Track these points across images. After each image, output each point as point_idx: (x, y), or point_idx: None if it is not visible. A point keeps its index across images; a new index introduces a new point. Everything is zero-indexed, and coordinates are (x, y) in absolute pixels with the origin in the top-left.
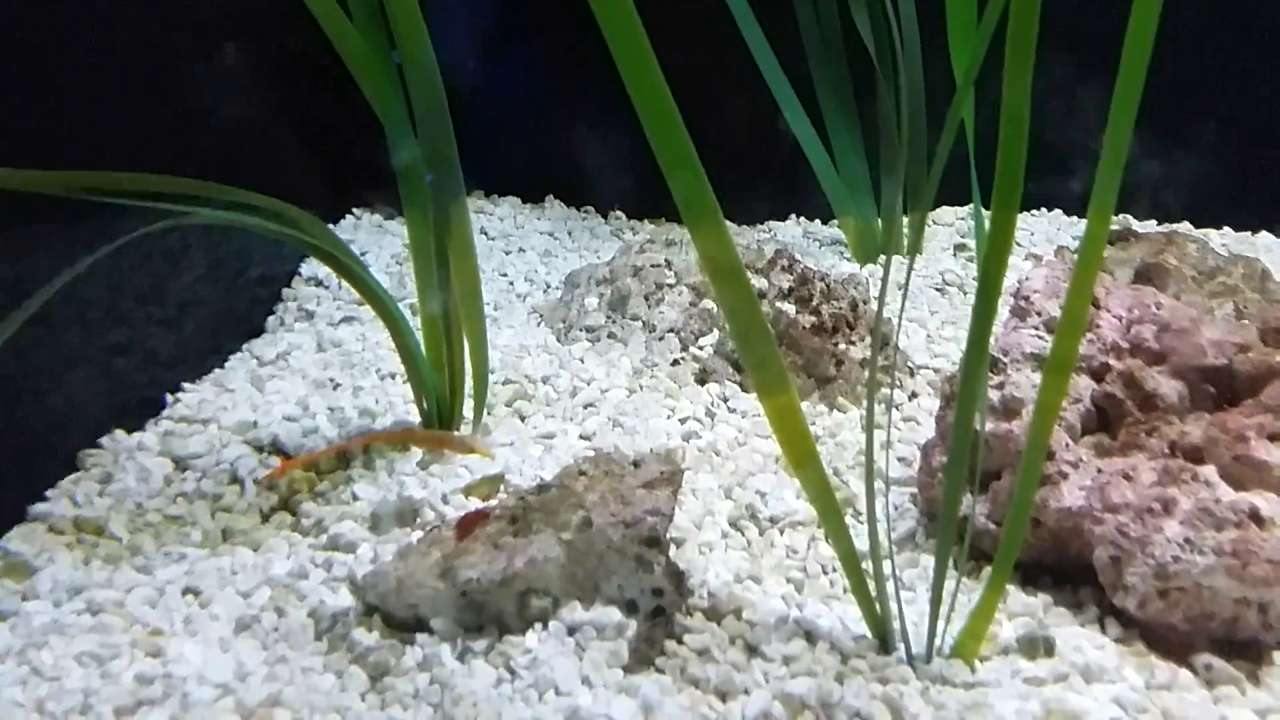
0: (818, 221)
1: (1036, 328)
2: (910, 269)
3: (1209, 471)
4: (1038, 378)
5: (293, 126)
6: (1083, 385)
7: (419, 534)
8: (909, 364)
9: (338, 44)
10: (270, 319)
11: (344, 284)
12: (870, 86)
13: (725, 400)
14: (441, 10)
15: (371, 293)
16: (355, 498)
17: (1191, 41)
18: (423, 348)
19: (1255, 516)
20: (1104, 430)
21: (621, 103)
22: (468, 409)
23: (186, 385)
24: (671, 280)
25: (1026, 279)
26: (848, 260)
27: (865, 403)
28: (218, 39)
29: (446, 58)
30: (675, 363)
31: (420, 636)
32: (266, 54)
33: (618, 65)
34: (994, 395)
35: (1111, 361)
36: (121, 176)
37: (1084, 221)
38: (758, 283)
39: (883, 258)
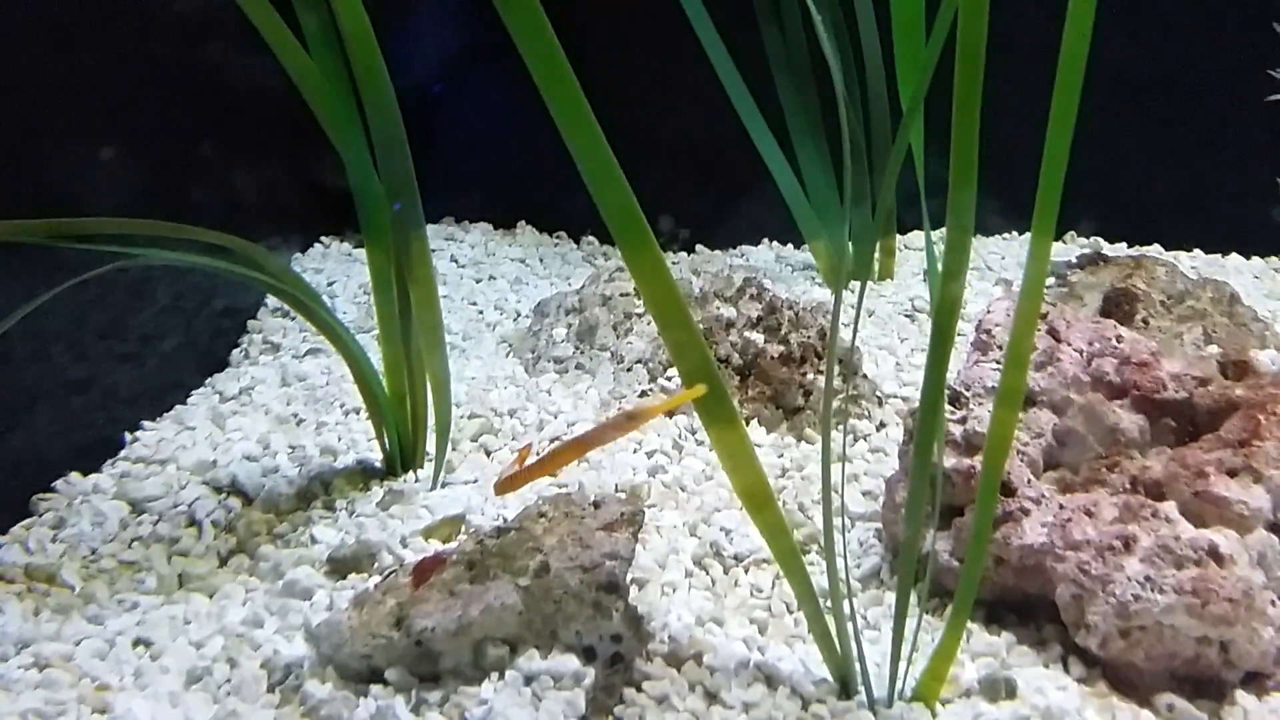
0: (790, 246)
1: (998, 361)
2: (861, 295)
3: (1169, 508)
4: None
5: (260, 154)
6: (1044, 420)
7: (377, 579)
8: (877, 393)
9: (294, 75)
10: (235, 352)
11: None
12: (838, 110)
13: (693, 433)
14: (411, 36)
15: (331, 330)
16: (314, 540)
17: (1165, 65)
18: (384, 383)
19: (1215, 554)
20: (1066, 465)
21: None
22: (432, 444)
23: (146, 423)
24: (640, 309)
25: (988, 312)
26: (819, 285)
27: (823, 436)
28: (181, 66)
29: (415, 83)
30: (643, 394)
31: (374, 688)
32: (232, 81)
33: (546, 101)
34: (956, 430)
35: (1073, 396)
36: (73, 222)
37: (1058, 244)
38: (726, 311)
39: (854, 283)
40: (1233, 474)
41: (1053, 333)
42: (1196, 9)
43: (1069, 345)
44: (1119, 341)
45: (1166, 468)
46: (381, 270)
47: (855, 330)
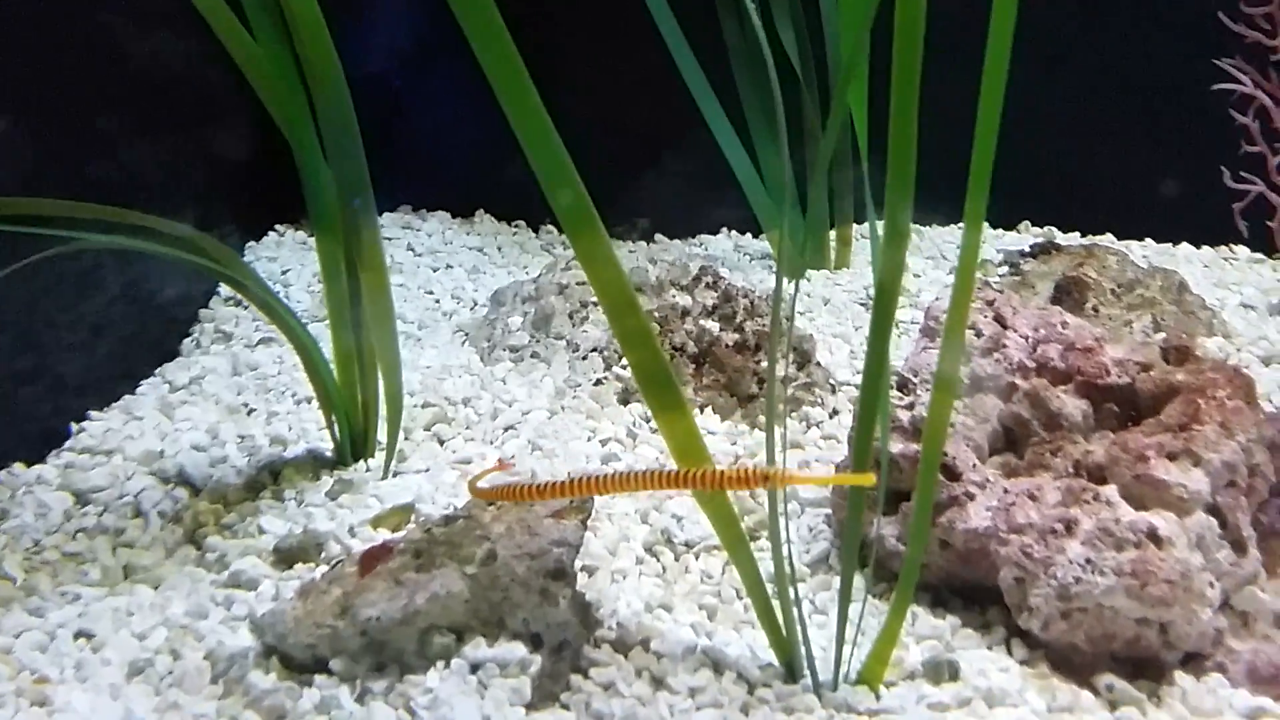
0: (749, 235)
1: None
2: (786, 285)
3: (1110, 491)
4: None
5: (212, 140)
6: (990, 405)
7: (324, 569)
8: (830, 381)
9: (239, 60)
10: (186, 341)
11: None
12: (797, 99)
13: (647, 420)
14: (368, 22)
15: (281, 319)
16: (261, 531)
17: (1117, 57)
18: (335, 373)
19: (1154, 536)
20: (1011, 450)
21: (552, 115)
22: (384, 434)
23: (93, 413)
24: (595, 298)
25: (936, 299)
26: (772, 273)
27: (767, 423)
28: (127, 48)
29: (373, 71)
30: (598, 382)
31: (319, 678)
32: (184, 65)
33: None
34: (904, 416)
35: (1018, 381)
36: (13, 201)
37: (1011, 233)
38: (682, 300)
39: (811, 272)
40: (1172, 457)
41: (999, 319)
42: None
43: (1015, 331)
44: (1064, 327)
45: (1108, 451)
46: (332, 259)
47: (780, 315)
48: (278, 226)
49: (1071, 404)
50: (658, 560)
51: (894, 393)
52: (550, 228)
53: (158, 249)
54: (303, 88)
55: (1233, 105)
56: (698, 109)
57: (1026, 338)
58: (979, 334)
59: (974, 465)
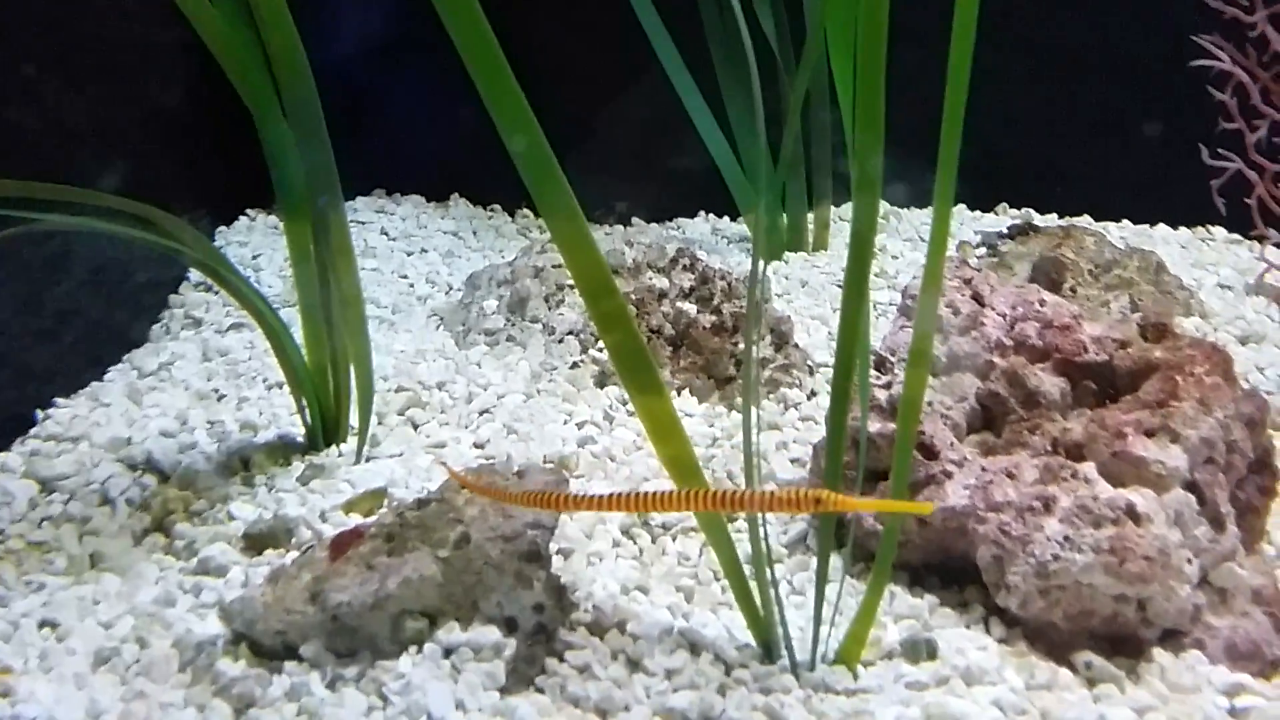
0: (726, 218)
1: None
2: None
3: (1089, 468)
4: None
5: (183, 123)
6: (968, 383)
7: (294, 554)
8: (809, 362)
9: (208, 41)
10: (155, 327)
11: None
12: (775, 81)
13: (624, 403)
14: (344, 5)
15: (250, 304)
16: (231, 517)
17: (1094, 39)
18: (305, 358)
19: (1132, 513)
20: (989, 428)
21: (530, 100)
22: (356, 419)
23: (60, 400)
24: (572, 280)
25: (914, 278)
26: (749, 257)
27: (744, 403)
28: (103, 33)
29: (348, 53)
30: (574, 365)
31: (289, 664)
32: (154, 49)
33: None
34: (881, 395)
35: (996, 359)
36: None
37: (989, 215)
38: (659, 282)
39: (789, 254)
40: (1150, 434)
41: (976, 297)
42: None
43: (993, 310)
44: (1041, 305)
45: (1086, 429)
46: (300, 243)
47: (757, 296)
48: (249, 211)
49: (1049, 382)
50: (634, 542)
51: (872, 372)
52: (526, 211)
53: (128, 232)
54: (269, 73)
55: (1210, 82)
56: (675, 93)
57: (1004, 316)
58: (956, 312)
59: (952, 444)
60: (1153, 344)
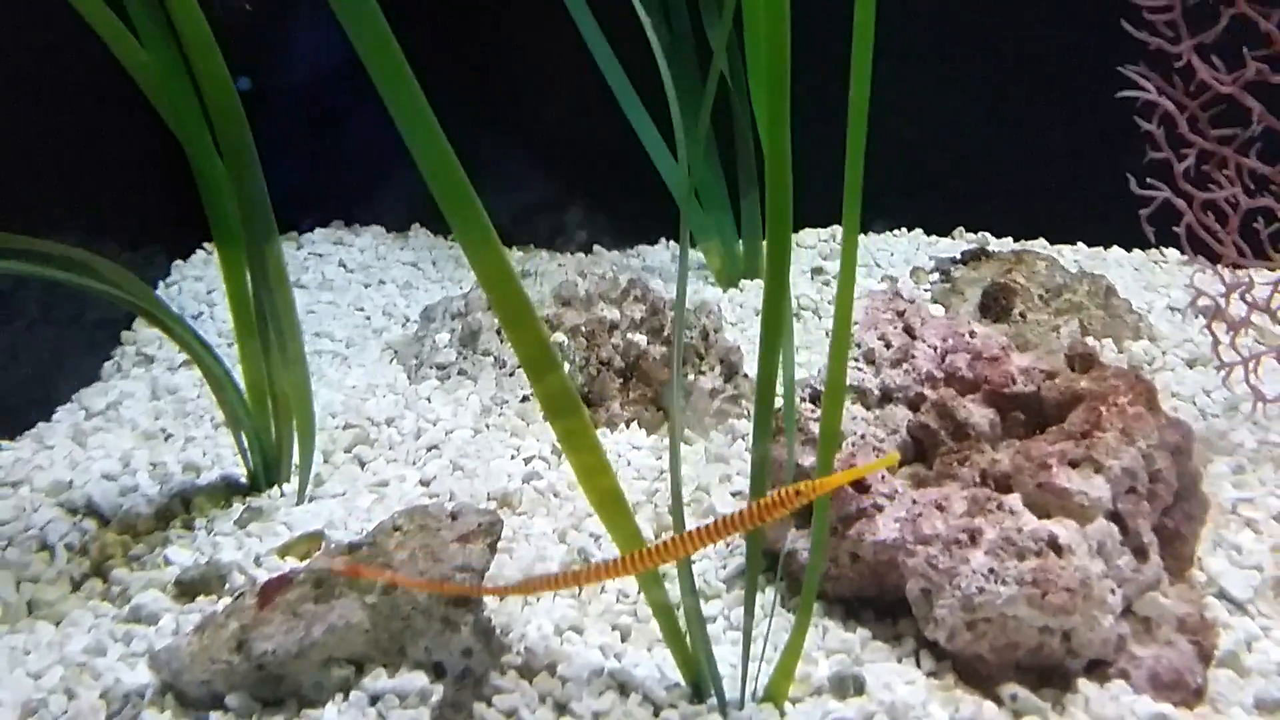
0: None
1: (855, 360)
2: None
3: (1014, 500)
4: (858, 409)
5: (136, 159)
6: (900, 416)
7: (226, 601)
8: None
9: (133, 73)
10: (107, 365)
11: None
12: (728, 107)
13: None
14: (300, 34)
15: (191, 349)
16: (168, 562)
17: (1047, 61)
18: (247, 397)
19: (1054, 545)
20: (920, 460)
21: (486, 126)
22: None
23: (4, 444)
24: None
25: (865, 311)
26: (711, 285)
27: (671, 434)
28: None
29: (305, 82)
30: (524, 399)
31: (214, 715)
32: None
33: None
34: (815, 428)
35: (926, 391)
36: None
37: (945, 240)
38: (610, 314)
39: (745, 281)
40: (1075, 465)
41: (908, 330)
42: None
43: (924, 342)
44: (971, 337)
45: (1013, 460)
46: (237, 280)
47: (745, 326)
48: (205, 245)
49: (979, 413)
50: None
51: (807, 405)
52: None
53: (67, 278)
54: (202, 109)
55: (1137, 112)
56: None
57: (935, 348)
58: (888, 345)
59: (883, 476)
60: (1080, 374)
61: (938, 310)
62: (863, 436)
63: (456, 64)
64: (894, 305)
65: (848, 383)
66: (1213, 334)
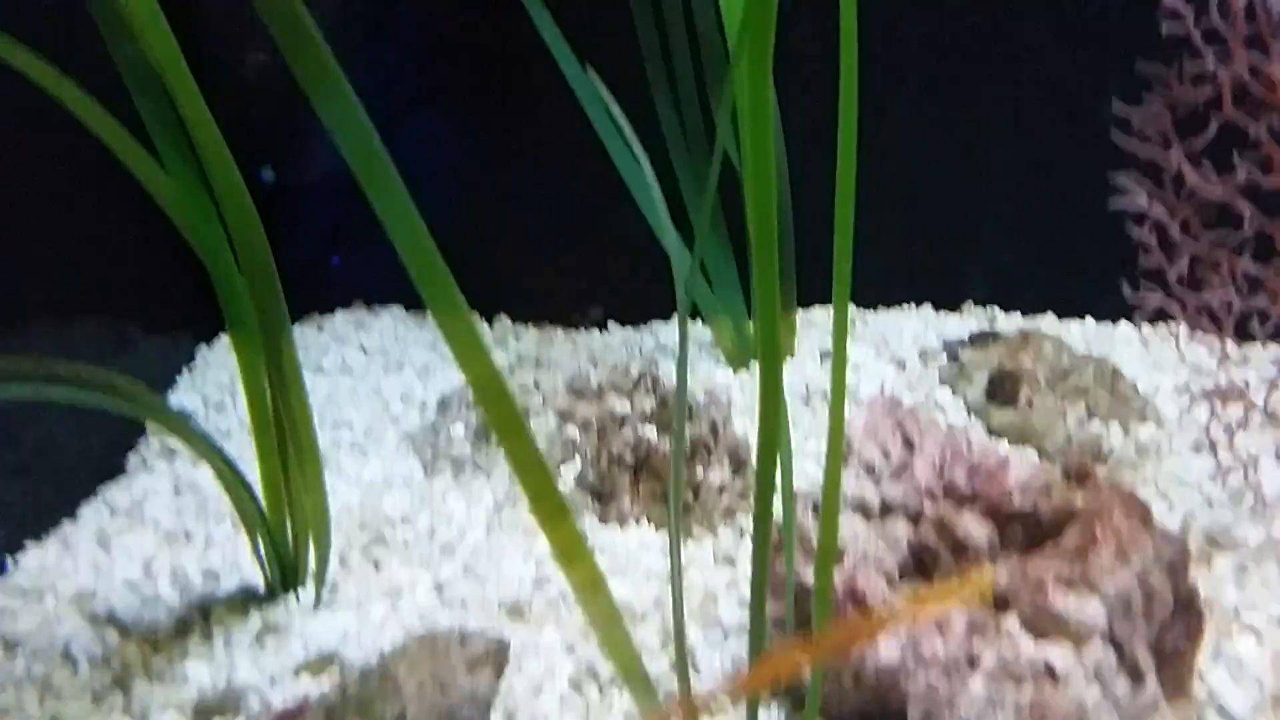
0: (700, 320)
1: (858, 474)
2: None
3: (1012, 622)
4: (859, 523)
5: (160, 243)
6: (900, 530)
7: None
8: None
9: (154, 191)
10: (132, 457)
11: (210, 415)
12: (736, 182)
13: (585, 536)
14: (315, 119)
15: (206, 455)
16: (185, 678)
17: (1052, 132)
18: (263, 498)
19: (1050, 672)
20: (921, 574)
21: (502, 196)
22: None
23: (30, 544)
24: (539, 404)
25: (849, 420)
26: (722, 365)
27: (672, 540)
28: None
29: (327, 162)
30: None
31: None
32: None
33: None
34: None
35: (926, 505)
36: None
37: (953, 316)
38: (621, 407)
39: (755, 362)
40: (1070, 585)
41: (907, 441)
42: (1081, 88)
43: (923, 453)
44: (969, 449)
45: (1010, 579)
46: (252, 373)
47: (684, 407)
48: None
49: (976, 530)
50: (582, 696)
51: (809, 517)
52: (503, 316)
53: (80, 397)
54: (221, 225)
55: (1132, 219)
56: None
57: (934, 461)
58: (888, 456)
59: (884, 596)
60: (1076, 487)
61: (945, 393)
62: (865, 554)
63: (467, 141)
64: (894, 414)
65: (849, 495)
66: (1211, 441)
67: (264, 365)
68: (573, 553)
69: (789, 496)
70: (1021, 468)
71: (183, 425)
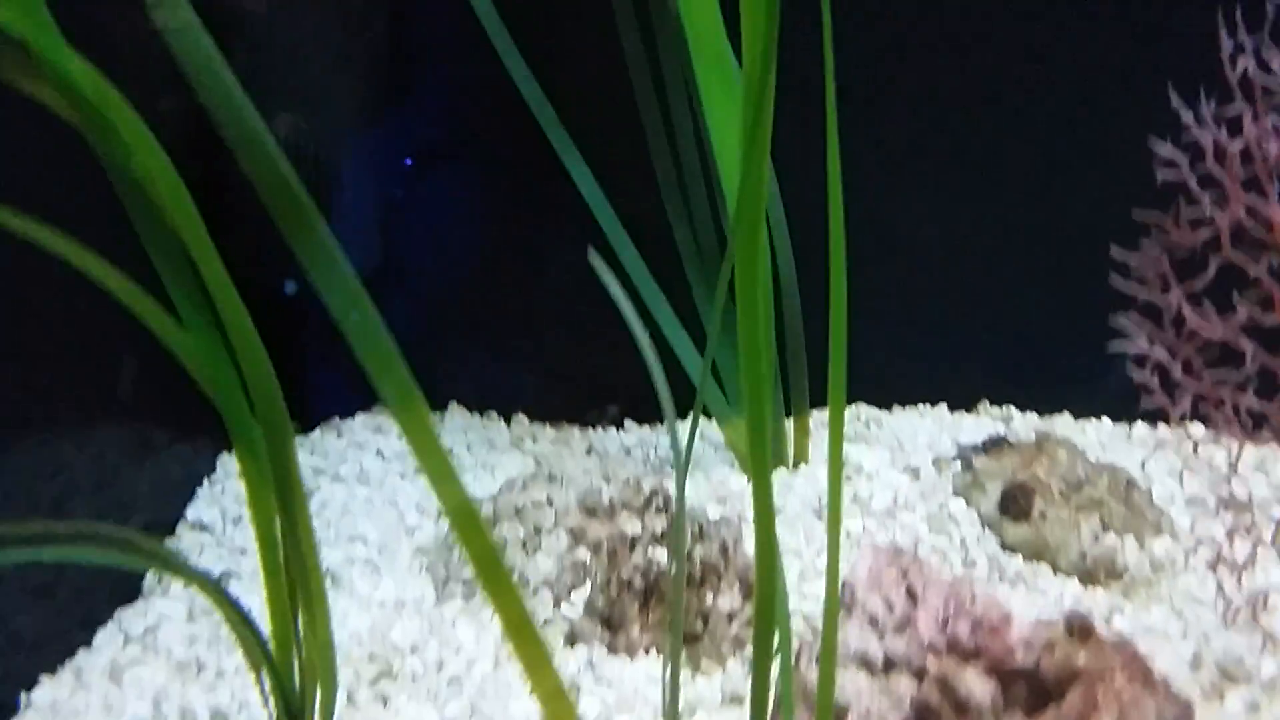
0: (714, 421)
1: (861, 626)
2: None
3: None
4: (863, 679)
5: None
6: (904, 688)
7: None
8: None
9: (170, 345)
10: (149, 576)
11: (228, 529)
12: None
13: (592, 666)
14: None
15: (209, 593)
16: None
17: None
18: (269, 632)
19: None
20: None
21: (519, 298)
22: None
23: (44, 678)
24: (550, 522)
25: (852, 567)
26: (735, 471)
27: (672, 676)
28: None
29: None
30: (545, 623)
31: None
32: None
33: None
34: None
35: (929, 661)
36: None
37: (968, 417)
38: (631, 528)
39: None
40: None
41: (910, 593)
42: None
43: (926, 605)
44: (972, 602)
45: None
46: (258, 493)
47: (684, 520)
48: None
49: (980, 688)
50: None
51: (814, 667)
52: (521, 416)
53: (84, 556)
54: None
55: (1134, 361)
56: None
57: (937, 613)
58: (891, 608)
59: None
60: (1078, 643)
61: (958, 504)
62: (869, 711)
63: (485, 238)
64: (898, 562)
65: (852, 649)
66: (1219, 585)
67: (272, 497)
68: (555, 702)
69: (787, 647)
70: (1023, 624)
71: (187, 569)
